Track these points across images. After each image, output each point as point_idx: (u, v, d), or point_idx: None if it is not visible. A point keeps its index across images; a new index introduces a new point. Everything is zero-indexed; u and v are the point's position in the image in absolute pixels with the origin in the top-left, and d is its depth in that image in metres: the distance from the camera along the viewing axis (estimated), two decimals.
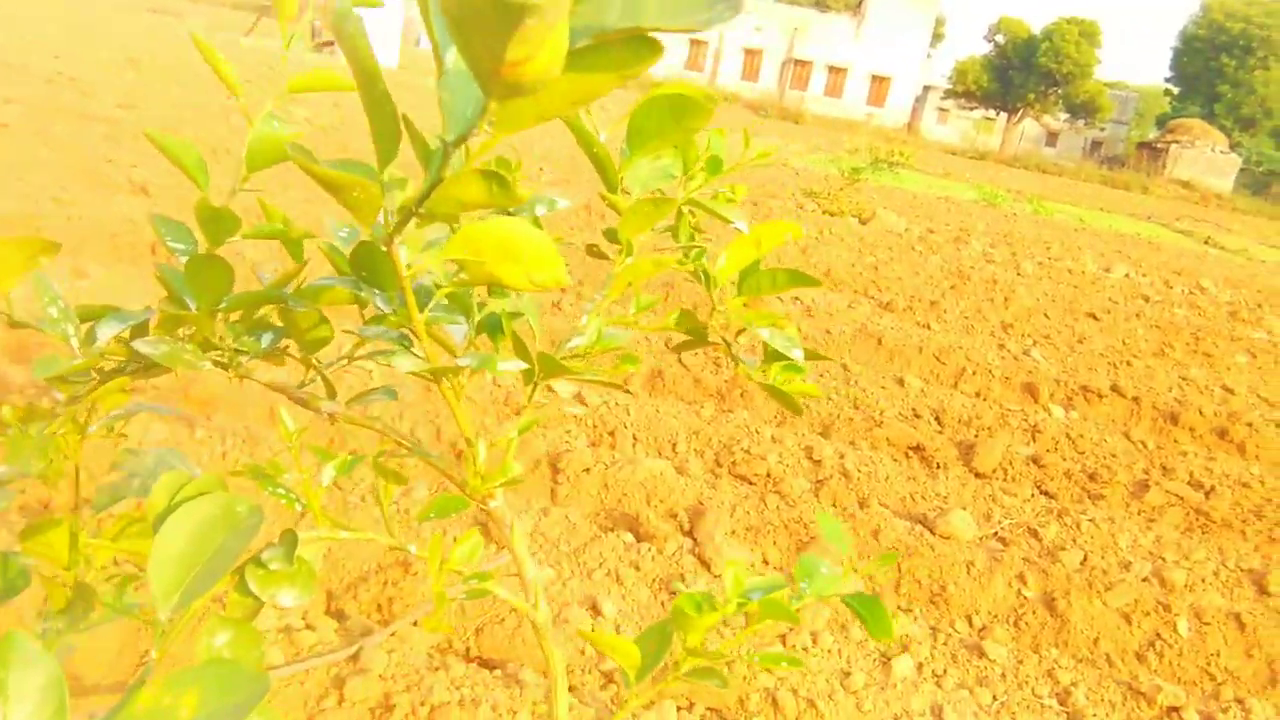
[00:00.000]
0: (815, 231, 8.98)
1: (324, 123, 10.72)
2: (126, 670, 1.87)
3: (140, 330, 1.00)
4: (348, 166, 0.68)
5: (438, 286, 0.81)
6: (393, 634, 2.09)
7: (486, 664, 2.16)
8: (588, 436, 3.45)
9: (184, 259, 0.97)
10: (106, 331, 0.94)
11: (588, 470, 3.05)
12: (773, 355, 0.98)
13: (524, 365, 0.88)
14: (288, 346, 1.01)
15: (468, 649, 2.21)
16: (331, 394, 0.97)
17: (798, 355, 0.96)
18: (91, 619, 1.19)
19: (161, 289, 0.99)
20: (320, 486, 0.92)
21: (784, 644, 2.37)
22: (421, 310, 0.78)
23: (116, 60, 13.54)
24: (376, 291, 0.81)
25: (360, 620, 2.20)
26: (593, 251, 1.02)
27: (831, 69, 43.73)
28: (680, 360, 4.40)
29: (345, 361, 1.02)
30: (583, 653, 2.23)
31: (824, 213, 10.53)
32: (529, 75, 0.43)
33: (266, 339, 0.98)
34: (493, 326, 0.94)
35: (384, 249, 0.66)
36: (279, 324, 0.99)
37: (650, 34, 0.47)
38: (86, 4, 25.40)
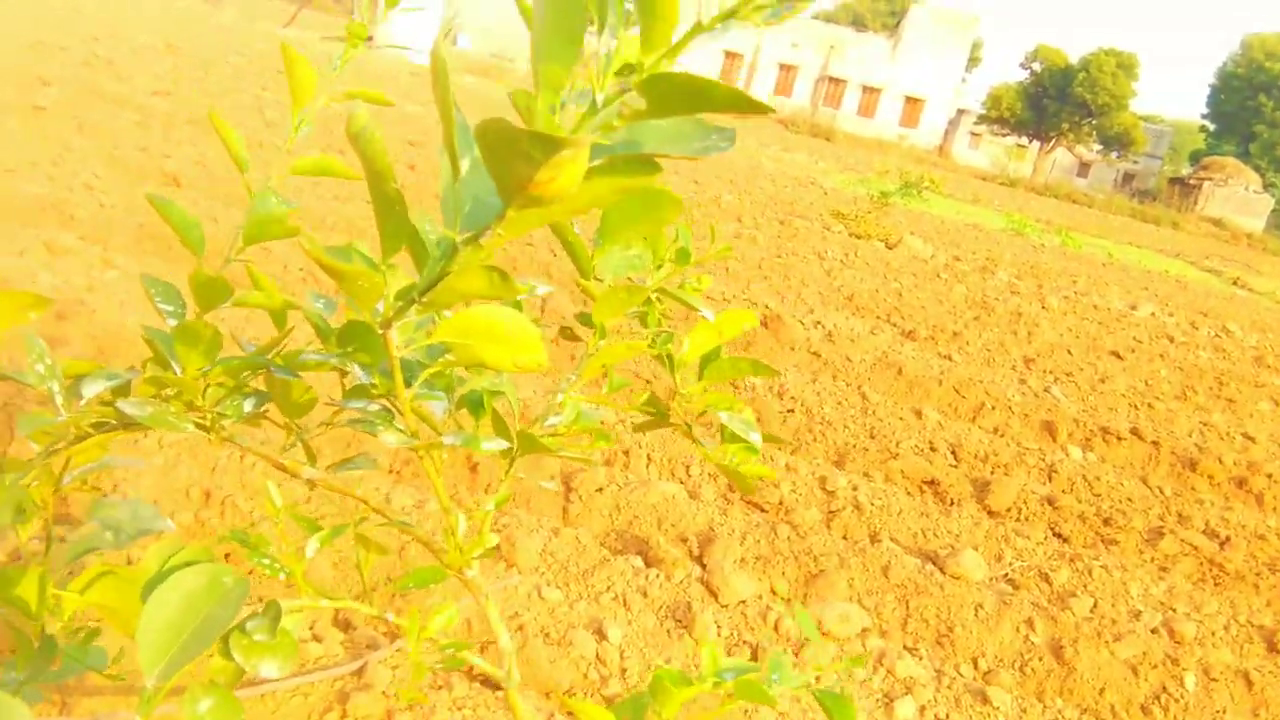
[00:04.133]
0: (841, 254, 8.97)
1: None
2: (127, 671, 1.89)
3: (123, 389, 1.02)
4: (349, 255, 0.70)
5: (420, 365, 0.84)
6: (398, 649, 2.10)
7: (490, 683, 2.16)
8: (601, 454, 3.45)
9: (171, 321, 1.00)
10: (91, 390, 0.97)
11: (600, 490, 3.06)
12: (731, 436, 1.02)
13: (506, 444, 0.92)
14: (267, 410, 1.04)
15: (471, 667, 2.21)
16: (312, 460, 1.00)
17: (755, 439, 1.00)
18: (52, 672, 1.21)
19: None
20: (305, 558, 0.95)
21: None
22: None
23: (153, 46, 13.70)
24: (360, 367, 0.84)
25: (367, 632, 2.21)
26: (566, 334, 1.06)
27: (866, 88, 43.70)
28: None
29: (326, 428, 1.06)
30: (585, 676, 2.23)
31: (851, 235, 10.52)
32: (552, 193, 0.49)
33: (249, 403, 1.00)
34: (474, 403, 0.97)
35: (380, 332, 0.69)
36: (262, 389, 1.02)
37: (652, 155, 0.53)
38: None
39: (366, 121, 0.62)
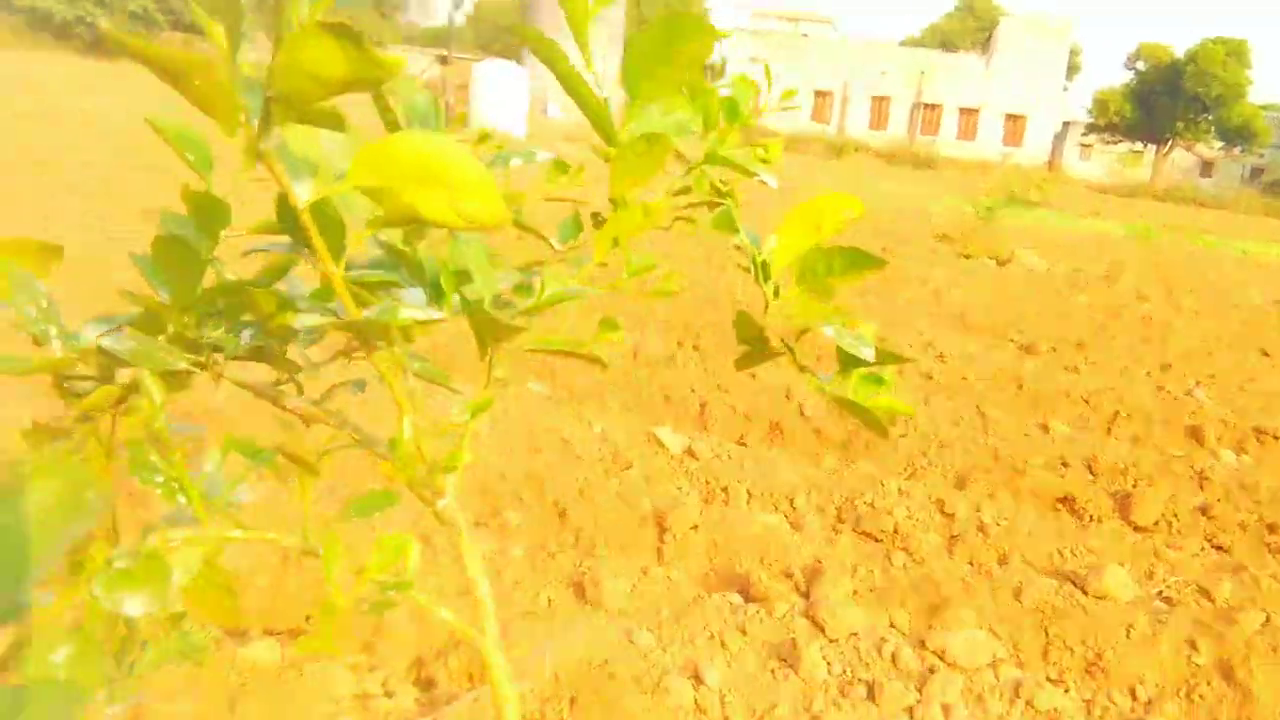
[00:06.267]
0: (948, 275, 8.61)
1: None
2: None
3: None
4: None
5: (392, 249, 0.67)
6: (475, 699, 1.95)
7: None
8: (700, 492, 3.27)
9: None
10: (93, 332, 0.86)
11: (695, 528, 2.87)
12: (848, 362, 0.79)
13: (437, 315, 0.70)
14: (266, 345, 0.92)
15: (560, 718, 2.05)
16: (299, 391, 0.86)
17: (867, 354, 0.77)
18: (146, 662, 1.11)
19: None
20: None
21: (911, 717, 2.11)
22: (338, 259, 0.64)
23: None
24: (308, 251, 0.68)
25: (448, 689, 2.08)
26: (598, 220, 0.86)
27: (963, 111, 42.77)
28: (801, 412, 4.18)
29: (332, 360, 0.95)
30: None
31: (959, 255, 10.12)
32: None
33: (247, 334, 0.89)
34: (433, 285, 0.77)
35: (262, 163, 0.51)
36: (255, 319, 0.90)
37: None
38: None
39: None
